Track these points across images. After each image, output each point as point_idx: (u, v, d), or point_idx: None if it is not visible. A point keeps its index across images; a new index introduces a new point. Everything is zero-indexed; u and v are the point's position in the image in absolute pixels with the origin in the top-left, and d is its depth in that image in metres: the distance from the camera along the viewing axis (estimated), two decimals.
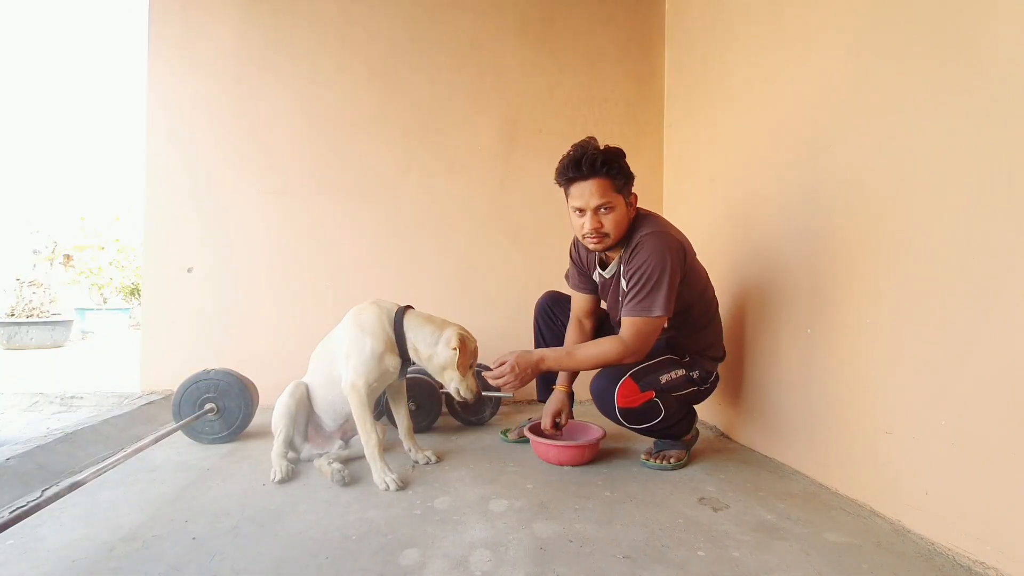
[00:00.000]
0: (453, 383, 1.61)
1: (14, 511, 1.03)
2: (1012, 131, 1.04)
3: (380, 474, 1.52)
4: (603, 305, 1.85)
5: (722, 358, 1.79)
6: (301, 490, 1.49)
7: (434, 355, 1.60)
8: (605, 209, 1.53)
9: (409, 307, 1.69)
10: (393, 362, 1.62)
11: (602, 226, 1.54)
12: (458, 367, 1.57)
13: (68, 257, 6.76)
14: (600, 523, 1.29)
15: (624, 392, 1.54)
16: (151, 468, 1.64)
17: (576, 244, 1.80)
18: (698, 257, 1.72)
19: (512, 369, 1.56)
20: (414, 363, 1.67)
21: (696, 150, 2.44)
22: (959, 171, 1.14)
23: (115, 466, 1.35)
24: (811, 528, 1.27)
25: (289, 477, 1.56)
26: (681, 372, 1.64)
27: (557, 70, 2.73)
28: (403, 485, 1.51)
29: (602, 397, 1.59)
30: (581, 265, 1.81)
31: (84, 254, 6.93)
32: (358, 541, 1.19)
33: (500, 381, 1.57)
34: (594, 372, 1.66)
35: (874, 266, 1.36)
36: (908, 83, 1.27)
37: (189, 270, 2.51)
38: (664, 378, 1.60)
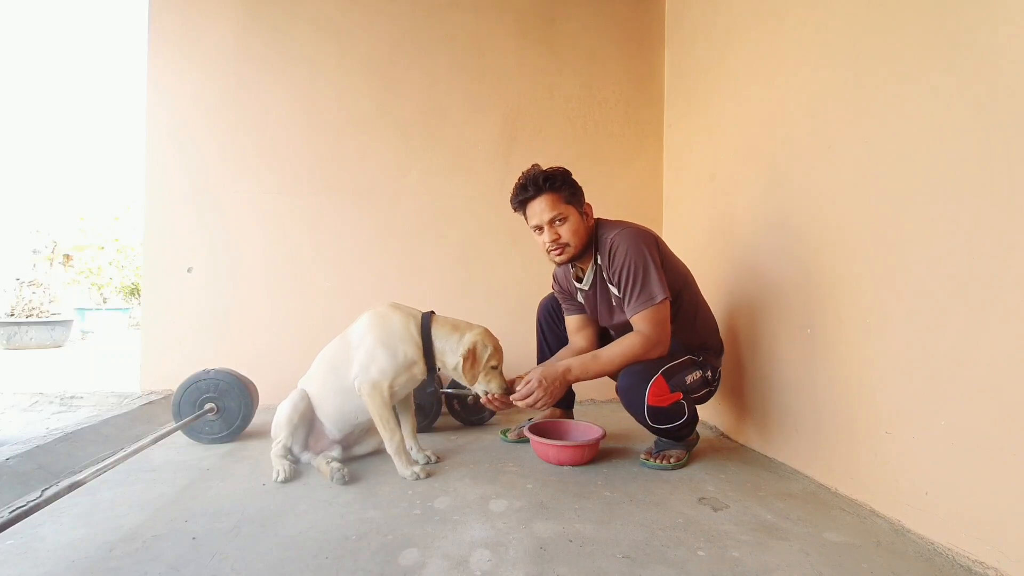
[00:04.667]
0: (480, 387, 1.62)
1: (14, 511, 1.03)
2: (1012, 132, 1.04)
3: (405, 467, 1.57)
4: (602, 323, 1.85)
5: (723, 350, 1.82)
6: (301, 490, 1.49)
7: (459, 364, 1.60)
8: (559, 221, 1.61)
9: (432, 313, 1.67)
10: (421, 370, 1.63)
11: (560, 237, 1.62)
12: (464, 374, 1.57)
13: (68, 257, 6.76)
14: (600, 523, 1.29)
15: (655, 391, 1.55)
16: (151, 468, 1.64)
17: (555, 274, 1.89)
18: (697, 256, 1.72)
19: (540, 384, 1.55)
20: (439, 369, 1.66)
21: (696, 149, 2.44)
22: (960, 171, 1.14)
23: (115, 466, 1.35)
24: (811, 528, 1.27)
25: (292, 477, 1.56)
26: (699, 373, 1.66)
27: (557, 70, 2.73)
28: (429, 474, 1.58)
29: (631, 395, 1.58)
30: (564, 292, 1.87)
31: (84, 254, 6.93)
32: (358, 541, 1.19)
33: (530, 400, 1.55)
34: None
35: (874, 266, 1.36)
36: (908, 82, 1.27)
37: (189, 270, 2.51)
38: (688, 379, 1.63)
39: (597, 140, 2.75)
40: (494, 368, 1.63)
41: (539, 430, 1.81)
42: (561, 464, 1.70)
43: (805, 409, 1.62)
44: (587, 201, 1.69)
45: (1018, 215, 1.02)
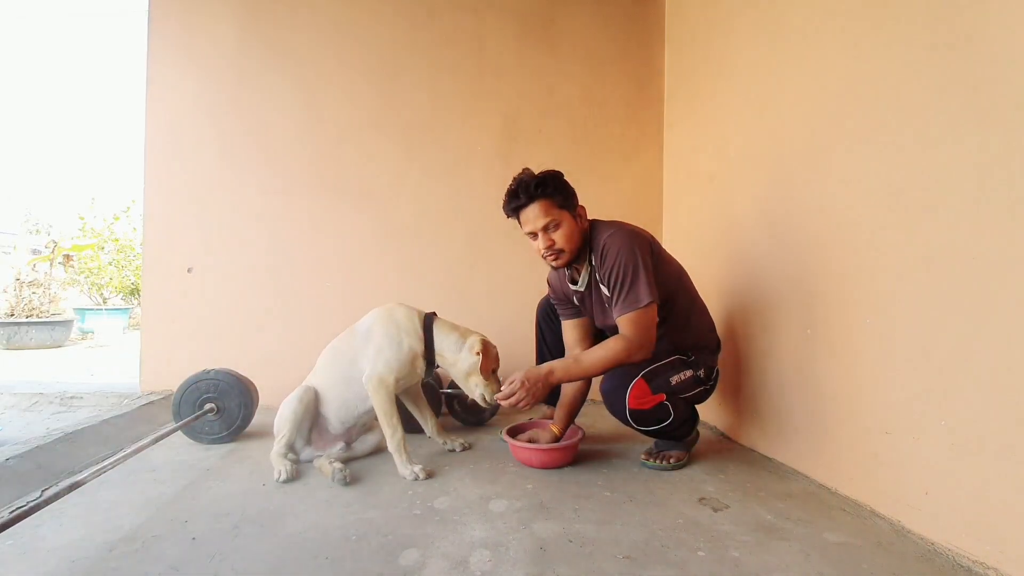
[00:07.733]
0: (478, 389, 1.66)
1: (14, 511, 1.03)
2: (1012, 132, 1.04)
3: (405, 466, 1.58)
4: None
5: (719, 348, 1.80)
6: (301, 490, 1.49)
7: (459, 361, 1.67)
8: (553, 227, 1.59)
9: (434, 313, 1.76)
10: (422, 366, 1.70)
11: (554, 243, 1.60)
12: (481, 371, 1.64)
13: (68, 257, 6.75)
14: (600, 523, 1.29)
15: (636, 393, 1.55)
16: (151, 468, 1.65)
17: (549, 280, 1.88)
18: (696, 256, 1.72)
19: (523, 385, 1.55)
20: (437, 367, 1.74)
21: (696, 150, 2.44)
22: (959, 171, 1.14)
23: (115, 466, 1.35)
24: (811, 528, 1.27)
25: (294, 477, 1.56)
26: (689, 373, 1.65)
27: (557, 70, 2.73)
28: (429, 474, 1.58)
29: (612, 398, 1.59)
30: (559, 296, 1.85)
31: (84, 254, 6.92)
32: (358, 541, 1.19)
33: (512, 400, 1.55)
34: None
35: (874, 266, 1.36)
36: (908, 82, 1.27)
37: (189, 270, 2.51)
38: (674, 379, 1.61)
39: (597, 140, 2.75)
40: (492, 372, 1.69)
41: (516, 432, 1.79)
42: (532, 466, 1.68)
43: (805, 409, 1.62)
44: (581, 203, 1.66)
45: (1018, 214, 1.02)
